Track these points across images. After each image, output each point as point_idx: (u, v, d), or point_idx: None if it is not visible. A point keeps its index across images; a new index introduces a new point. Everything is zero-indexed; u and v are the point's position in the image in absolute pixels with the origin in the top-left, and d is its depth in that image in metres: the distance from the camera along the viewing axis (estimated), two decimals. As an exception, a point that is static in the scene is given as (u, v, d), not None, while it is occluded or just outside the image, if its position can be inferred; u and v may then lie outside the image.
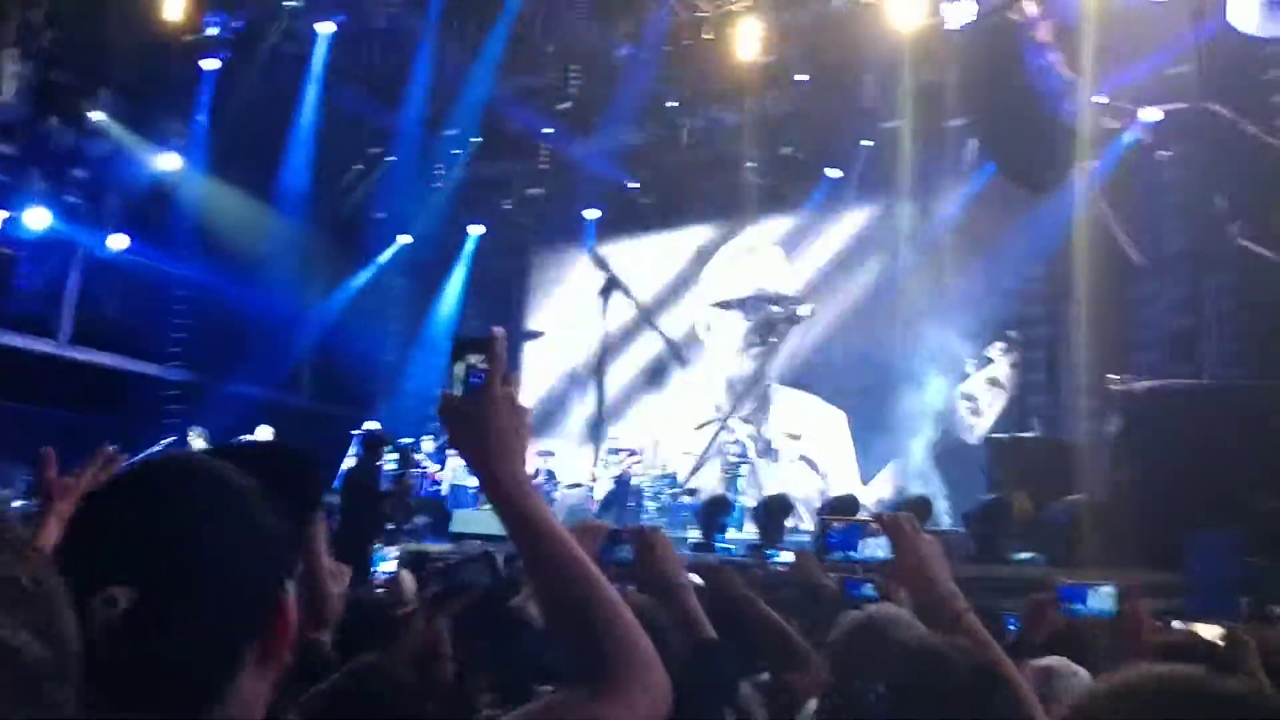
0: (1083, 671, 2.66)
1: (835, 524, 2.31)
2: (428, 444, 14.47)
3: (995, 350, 13.49)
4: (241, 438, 12.70)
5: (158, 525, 1.00)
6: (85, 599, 0.91)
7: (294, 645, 1.15)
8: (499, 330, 1.38)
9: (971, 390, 13.78)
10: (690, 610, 2.52)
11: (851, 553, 2.24)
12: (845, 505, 8.25)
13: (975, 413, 13.72)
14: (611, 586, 1.27)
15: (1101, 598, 2.72)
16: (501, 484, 1.30)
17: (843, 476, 14.15)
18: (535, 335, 18.36)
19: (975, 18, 11.49)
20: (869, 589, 3.42)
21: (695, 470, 15.79)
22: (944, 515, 11.92)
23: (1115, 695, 1.03)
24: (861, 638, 2.15)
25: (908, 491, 12.53)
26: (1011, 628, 3.30)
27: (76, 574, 0.94)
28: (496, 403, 1.32)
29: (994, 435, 12.12)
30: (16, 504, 9.53)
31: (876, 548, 2.17)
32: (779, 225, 15.97)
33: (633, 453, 14.01)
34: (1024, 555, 9.17)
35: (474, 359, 1.34)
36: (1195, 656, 2.57)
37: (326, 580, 3.25)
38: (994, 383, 13.58)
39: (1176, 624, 3.27)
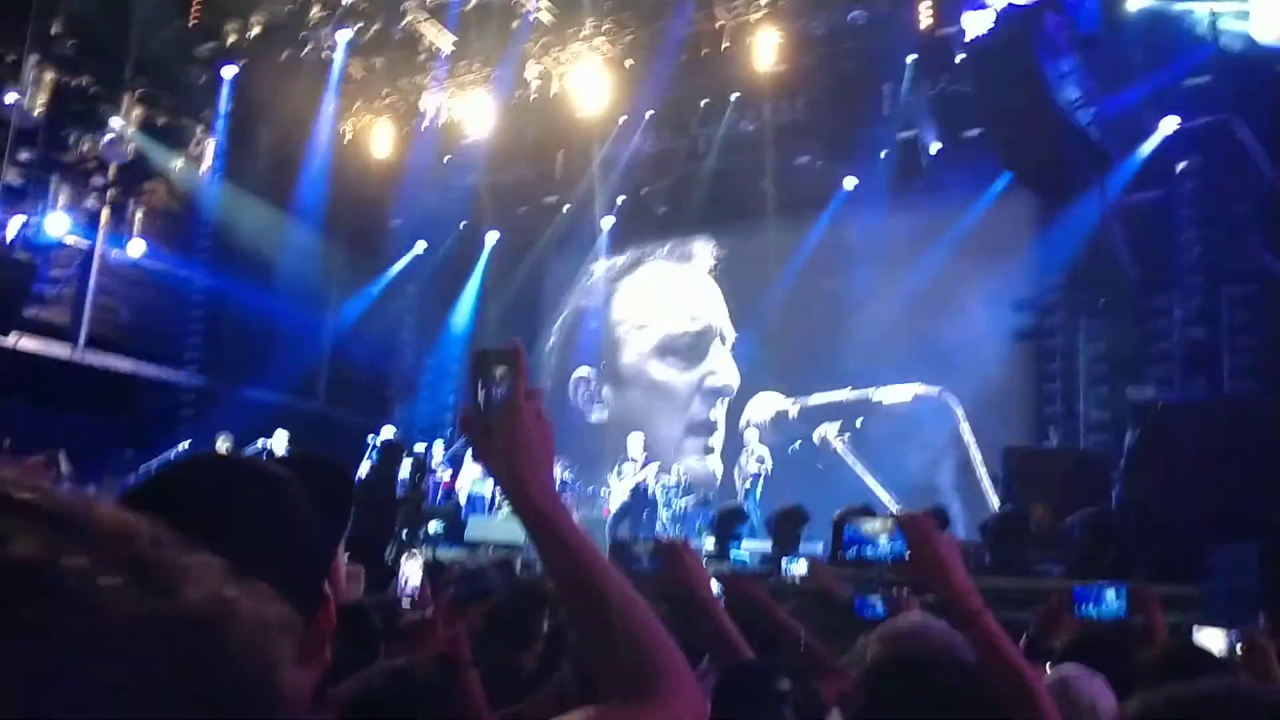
0: (1098, 676, 2.63)
1: (850, 522, 2.28)
2: (440, 450, 14.48)
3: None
4: (259, 441, 12.79)
5: (207, 512, 1.00)
6: None
7: (331, 640, 1.15)
8: (519, 341, 1.35)
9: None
10: (724, 629, 2.49)
11: (866, 549, 2.22)
12: (859, 513, 8.23)
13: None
14: (642, 600, 1.26)
15: (1112, 600, 2.71)
16: (529, 497, 1.28)
17: (852, 488, 14.08)
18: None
19: (994, 26, 11.46)
20: (878, 605, 3.40)
21: (713, 480, 15.86)
22: (958, 525, 11.86)
23: (1160, 709, 1.02)
24: (858, 649, 2.14)
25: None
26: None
27: None
28: (521, 415, 1.30)
29: (1012, 445, 12.06)
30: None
31: (891, 546, 2.16)
32: (794, 233, 15.94)
33: (647, 462, 13.96)
34: (1042, 567, 9.11)
35: (497, 370, 1.32)
36: (1204, 666, 2.55)
37: (344, 583, 3.25)
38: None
39: (1197, 629, 3.23)
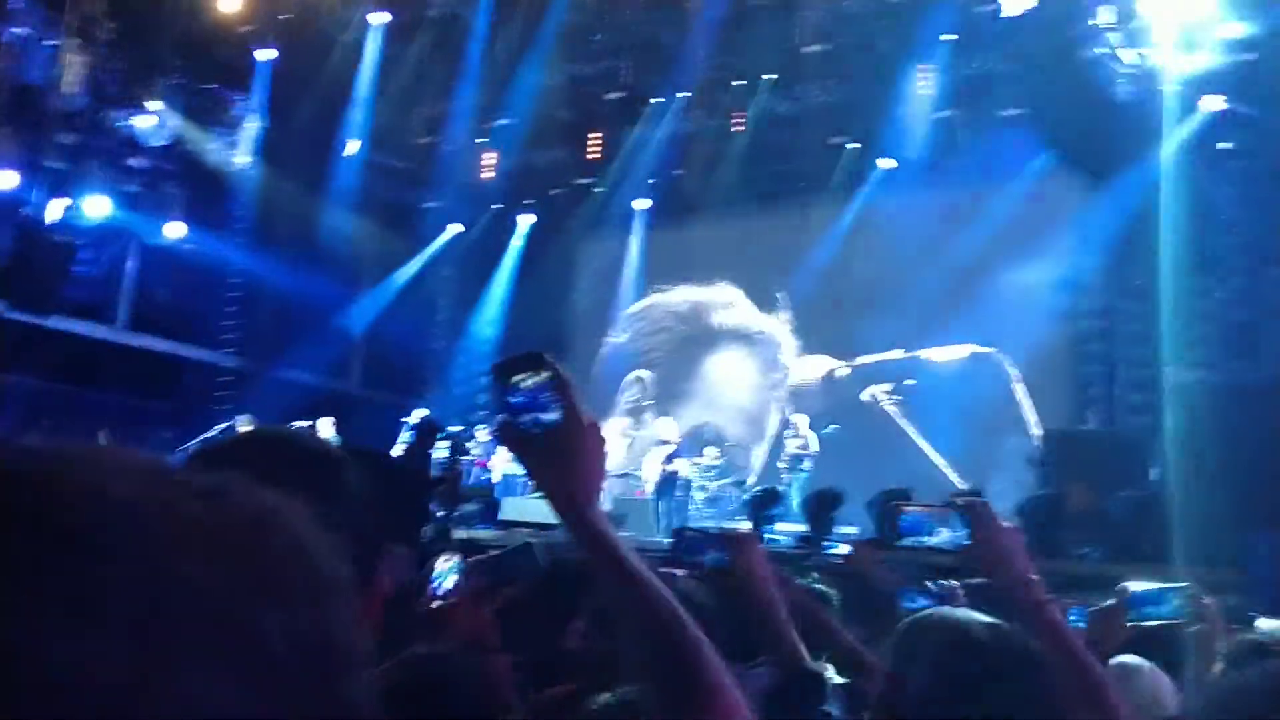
0: (1153, 668, 2.60)
1: (907, 509, 2.24)
2: (481, 433, 14.51)
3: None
4: (298, 424, 12.86)
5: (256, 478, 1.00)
6: None
7: (378, 625, 1.14)
8: (546, 353, 1.26)
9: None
10: (785, 638, 2.43)
11: (925, 538, 2.18)
12: (898, 496, 8.19)
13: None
14: (695, 625, 1.21)
15: (1171, 601, 2.64)
16: (589, 520, 1.22)
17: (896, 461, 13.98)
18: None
19: (1035, 4, 11.31)
20: (923, 600, 3.37)
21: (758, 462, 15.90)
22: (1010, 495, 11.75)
23: (1231, 696, 0.99)
24: (910, 631, 2.08)
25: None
26: (1073, 618, 3.22)
27: None
28: (582, 433, 1.24)
29: (1049, 427, 11.95)
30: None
31: (951, 534, 2.12)
32: (827, 215, 15.83)
33: (678, 444, 13.91)
34: (1082, 550, 9.05)
35: (527, 380, 1.23)
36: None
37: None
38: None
39: (1261, 623, 3.16)
